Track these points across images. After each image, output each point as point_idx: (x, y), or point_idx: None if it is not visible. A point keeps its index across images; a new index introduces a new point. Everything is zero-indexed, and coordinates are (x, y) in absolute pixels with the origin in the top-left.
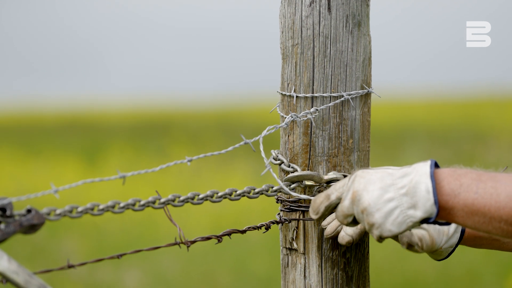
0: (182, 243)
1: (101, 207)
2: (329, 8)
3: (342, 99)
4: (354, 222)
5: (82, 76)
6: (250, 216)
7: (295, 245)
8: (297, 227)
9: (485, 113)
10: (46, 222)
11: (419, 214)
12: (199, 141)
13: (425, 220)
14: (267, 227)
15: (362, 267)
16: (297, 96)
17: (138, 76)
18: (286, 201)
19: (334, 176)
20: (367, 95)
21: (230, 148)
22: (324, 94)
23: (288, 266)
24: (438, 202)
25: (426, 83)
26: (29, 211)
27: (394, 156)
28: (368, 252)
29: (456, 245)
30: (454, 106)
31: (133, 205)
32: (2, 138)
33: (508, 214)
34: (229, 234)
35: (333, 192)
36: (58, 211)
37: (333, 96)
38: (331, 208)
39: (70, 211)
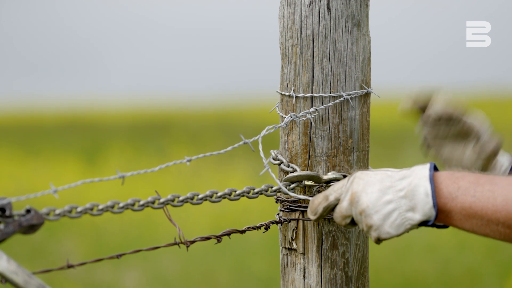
0: (181, 243)
1: (100, 207)
2: (328, 8)
3: (342, 99)
4: (352, 223)
5: (82, 76)
6: (249, 216)
7: (294, 245)
8: (297, 227)
9: (485, 113)
10: (45, 222)
11: (417, 217)
12: (199, 141)
13: (424, 223)
14: (267, 227)
15: (362, 267)
16: (296, 96)
17: (138, 76)
18: (286, 201)
19: (334, 176)
20: (367, 95)
21: (229, 148)
22: (324, 94)
23: (287, 266)
24: (436, 205)
25: (426, 83)
26: (28, 211)
27: (394, 156)
28: (367, 252)
29: None
30: None
31: (133, 205)
32: (2, 138)
33: (505, 217)
34: (228, 234)
35: (332, 193)
36: (57, 211)
37: (333, 96)
38: (330, 209)
39: (70, 211)
